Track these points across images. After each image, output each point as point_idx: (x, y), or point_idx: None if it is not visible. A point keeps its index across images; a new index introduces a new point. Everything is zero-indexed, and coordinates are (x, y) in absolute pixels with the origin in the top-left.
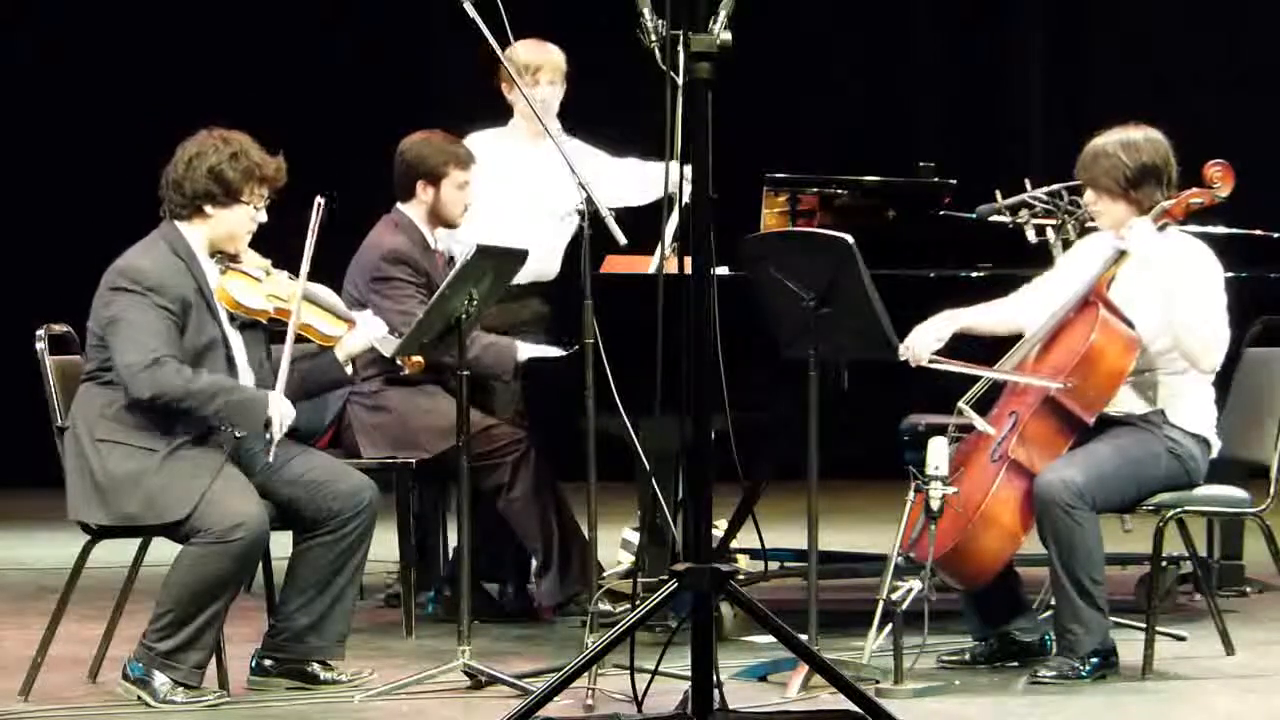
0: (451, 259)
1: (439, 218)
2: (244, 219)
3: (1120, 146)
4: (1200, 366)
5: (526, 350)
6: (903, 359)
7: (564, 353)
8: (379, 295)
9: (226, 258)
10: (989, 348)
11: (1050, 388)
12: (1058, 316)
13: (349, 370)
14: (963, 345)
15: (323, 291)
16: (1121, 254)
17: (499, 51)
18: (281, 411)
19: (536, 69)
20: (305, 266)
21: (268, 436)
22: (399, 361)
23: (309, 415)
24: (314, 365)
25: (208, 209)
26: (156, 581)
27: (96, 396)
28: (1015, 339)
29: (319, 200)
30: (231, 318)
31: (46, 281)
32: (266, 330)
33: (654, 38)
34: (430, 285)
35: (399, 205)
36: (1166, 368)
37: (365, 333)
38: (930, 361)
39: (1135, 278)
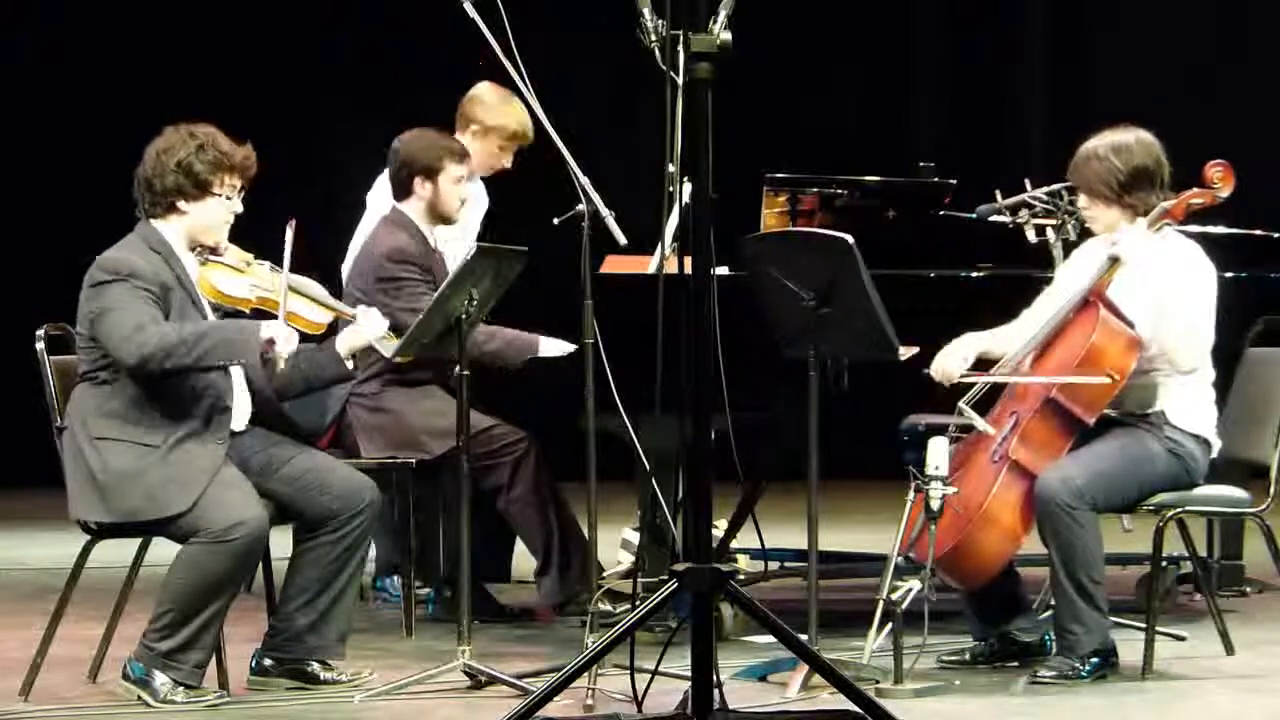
0: None
1: (437, 213)
2: (218, 210)
3: (1111, 150)
4: (1177, 364)
5: (548, 347)
6: (939, 381)
7: (569, 350)
8: (386, 296)
9: (206, 250)
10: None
11: (1096, 381)
12: (1058, 318)
13: (350, 365)
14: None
15: (307, 282)
16: (1116, 259)
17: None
18: (283, 333)
19: (510, 135)
20: (286, 262)
21: (275, 356)
22: (396, 358)
23: (309, 415)
24: (315, 359)
25: (180, 204)
26: (156, 581)
27: (91, 396)
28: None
29: (291, 222)
30: (215, 308)
31: (46, 281)
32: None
33: (654, 38)
34: (434, 283)
35: (396, 205)
36: (1166, 368)
37: (366, 330)
38: (961, 377)
39: (1130, 282)
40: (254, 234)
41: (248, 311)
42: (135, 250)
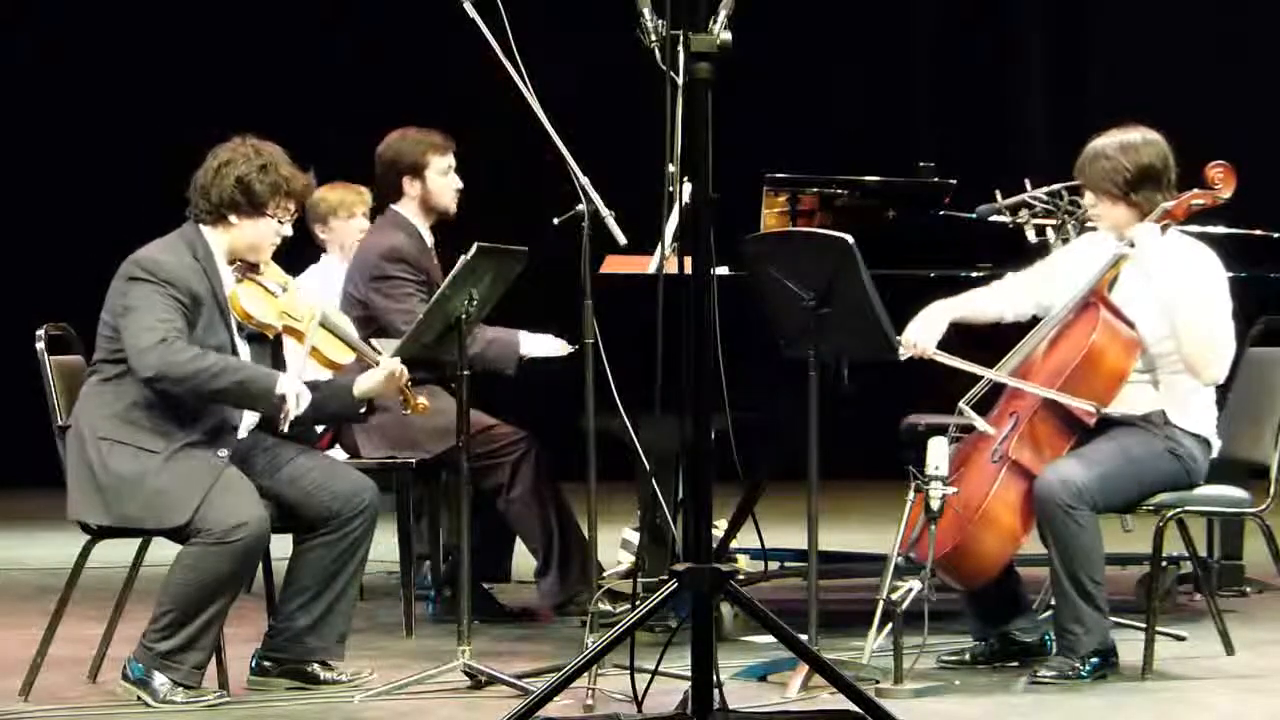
0: None
1: (432, 208)
2: (267, 232)
3: (1119, 149)
4: (1203, 380)
5: (529, 344)
6: (905, 354)
7: (565, 352)
8: (379, 294)
9: (246, 267)
10: (991, 346)
11: (1079, 406)
12: (1058, 318)
13: (363, 409)
14: (966, 343)
15: (339, 318)
16: (1122, 257)
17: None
18: (296, 390)
19: (351, 203)
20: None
21: (283, 413)
22: (405, 411)
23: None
24: (327, 395)
25: (232, 218)
26: (156, 581)
27: (101, 395)
28: (1015, 337)
29: None
30: (240, 327)
31: (46, 281)
32: (275, 345)
33: (654, 38)
34: (430, 284)
35: (392, 206)
36: (1167, 368)
37: (386, 373)
38: (934, 355)
39: (1137, 282)
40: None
41: (271, 336)
42: (176, 253)
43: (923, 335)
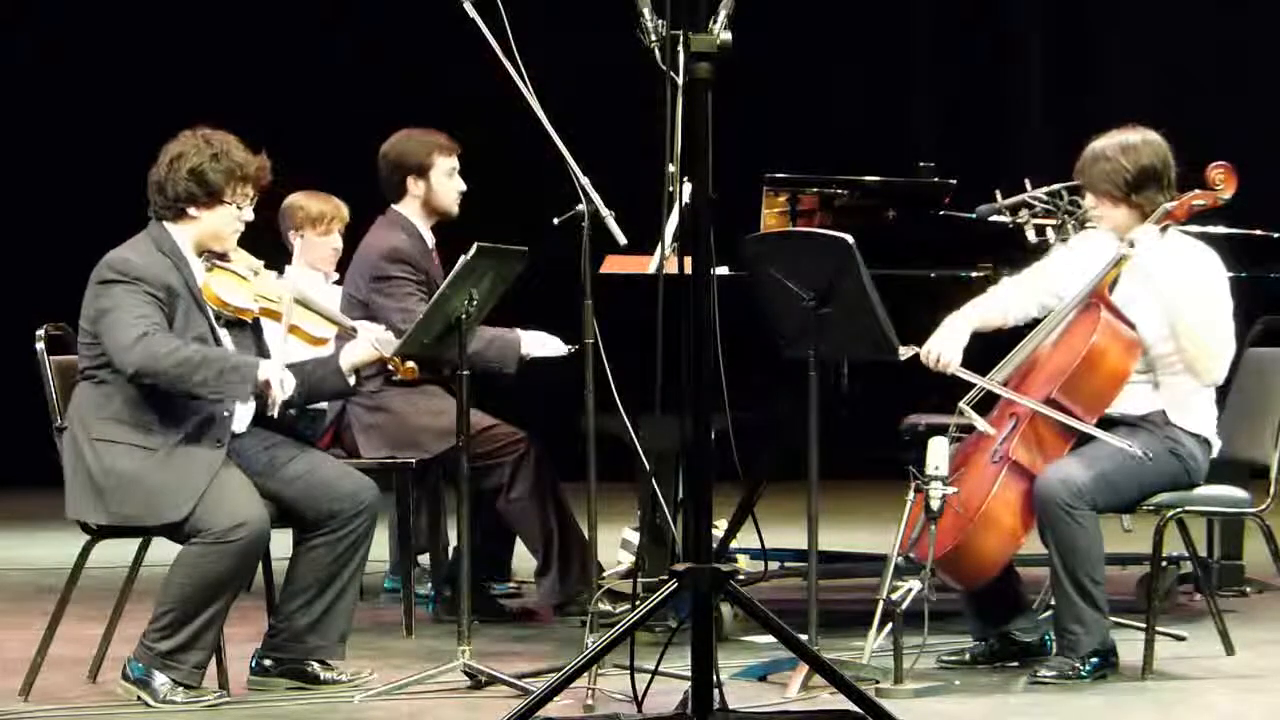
0: None
1: (435, 209)
2: (228, 219)
3: (1119, 150)
4: (1202, 380)
5: (530, 343)
6: (904, 355)
7: (566, 352)
8: (380, 294)
9: (214, 256)
10: (994, 348)
11: (1077, 426)
12: (1059, 319)
13: (351, 380)
14: (969, 344)
15: (314, 294)
16: (1123, 258)
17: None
18: (279, 375)
19: (330, 219)
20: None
21: (270, 400)
22: (391, 367)
23: (304, 420)
24: (315, 372)
25: (191, 210)
26: (156, 581)
27: (91, 396)
28: (1017, 338)
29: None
30: (218, 316)
31: (46, 281)
32: (256, 330)
33: (654, 38)
34: (430, 284)
35: (393, 206)
36: (1168, 369)
37: (368, 342)
38: (959, 372)
39: (1138, 283)
40: (253, 232)
41: (249, 321)
42: (144, 252)
43: (948, 349)
